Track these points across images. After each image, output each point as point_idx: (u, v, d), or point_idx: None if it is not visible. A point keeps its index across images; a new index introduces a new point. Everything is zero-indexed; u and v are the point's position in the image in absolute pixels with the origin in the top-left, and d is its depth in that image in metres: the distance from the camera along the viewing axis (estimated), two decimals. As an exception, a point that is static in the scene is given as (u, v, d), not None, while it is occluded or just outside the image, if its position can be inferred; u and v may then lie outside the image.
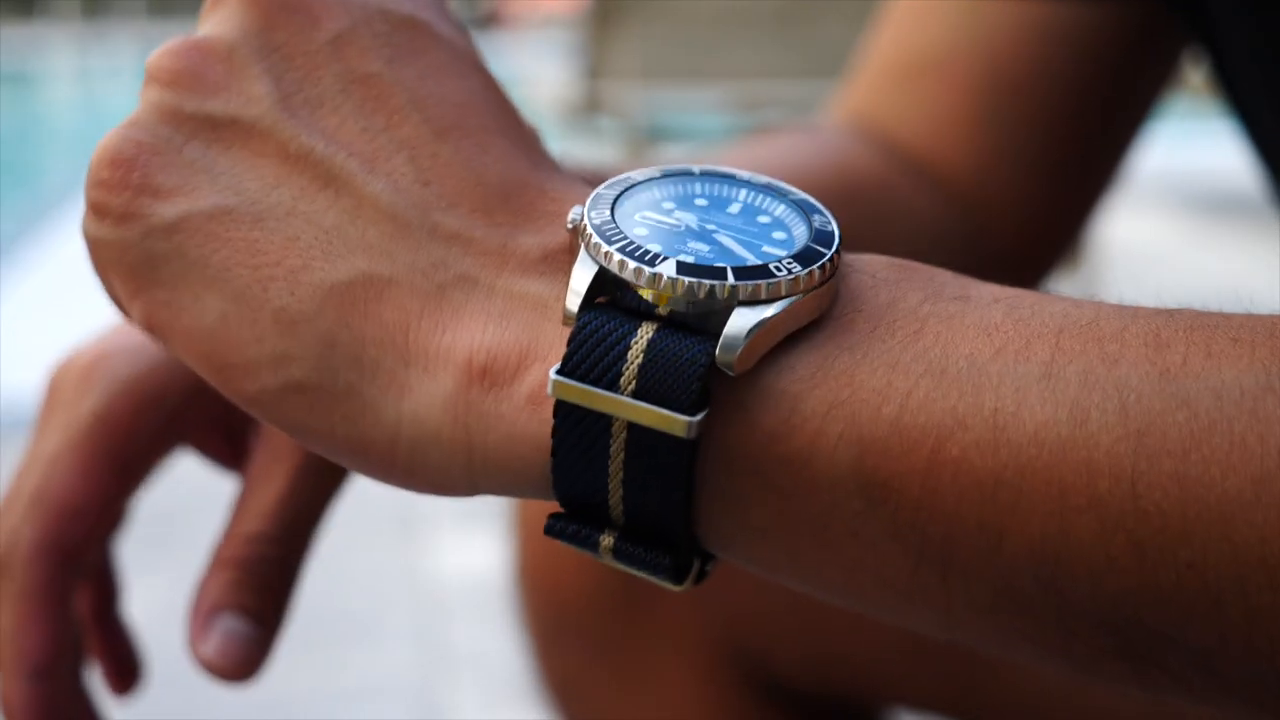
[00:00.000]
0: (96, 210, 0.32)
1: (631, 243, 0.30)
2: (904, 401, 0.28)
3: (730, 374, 0.29)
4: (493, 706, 1.43)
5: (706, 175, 0.33)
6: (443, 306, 0.31)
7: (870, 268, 0.31)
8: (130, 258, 0.32)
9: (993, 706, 0.59)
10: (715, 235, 0.31)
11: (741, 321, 0.28)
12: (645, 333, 0.29)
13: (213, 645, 0.40)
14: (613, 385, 0.29)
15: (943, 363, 0.28)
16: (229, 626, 0.40)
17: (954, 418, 0.28)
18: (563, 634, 0.64)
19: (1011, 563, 0.27)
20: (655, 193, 0.32)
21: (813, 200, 0.32)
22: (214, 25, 0.33)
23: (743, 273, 0.29)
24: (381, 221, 0.31)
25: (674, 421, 0.28)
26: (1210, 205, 4.31)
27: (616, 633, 0.62)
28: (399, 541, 1.84)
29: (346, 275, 0.31)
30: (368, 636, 1.58)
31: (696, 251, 0.30)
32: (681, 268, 0.29)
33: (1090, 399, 0.27)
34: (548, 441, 0.30)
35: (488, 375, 0.30)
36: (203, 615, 0.41)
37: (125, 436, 0.42)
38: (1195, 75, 0.64)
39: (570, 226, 0.31)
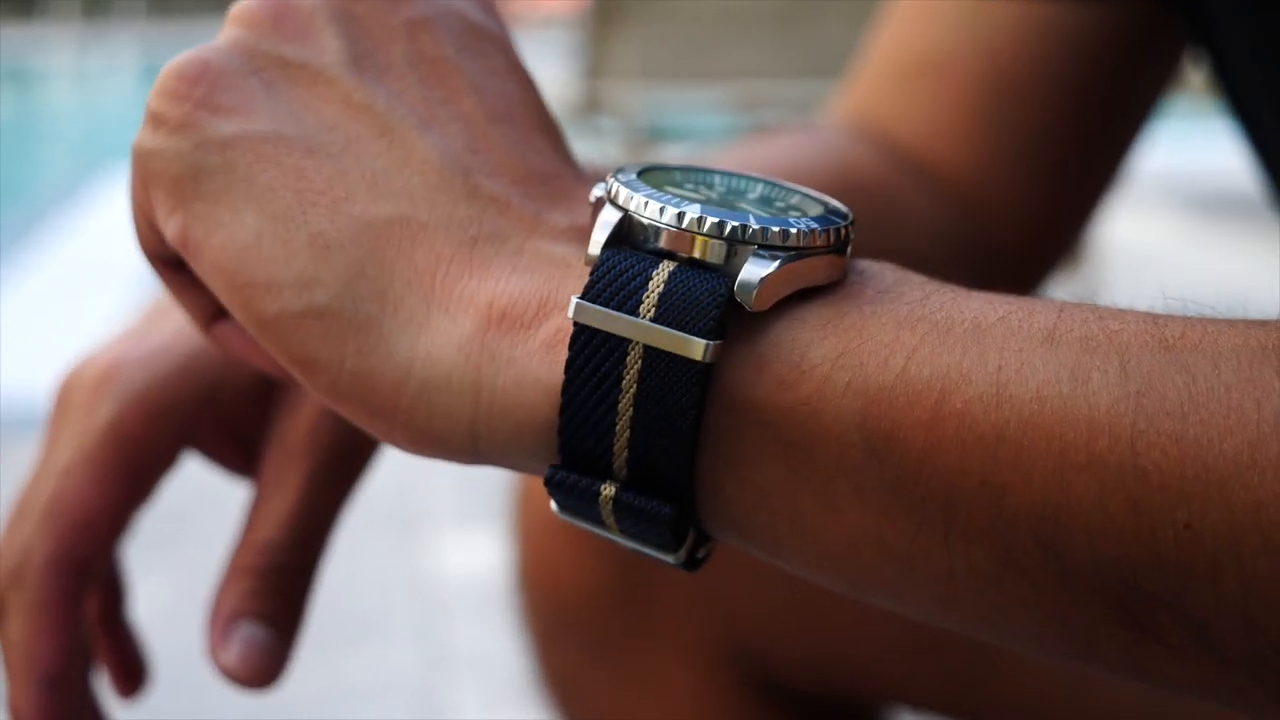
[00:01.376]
0: (154, 119, 0.34)
1: (654, 194, 0.31)
2: (910, 355, 0.29)
3: (748, 309, 0.30)
4: (493, 706, 1.43)
5: (721, 172, 0.35)
6: (472, 257, 0.32)
7: (875, 265, 0.33)
8: (177, 167, 0.33)
9: (993, 707, 0.59)
10: (737, 205, 0.33)
11: (760, 262, 0.30)
12: (667, 267, 0.30)
13: (234, 653, 0.41)
14: (633, 311, 0.30)
15: (948, 323, 0.29)
16: (249, 634, 0.41)
17: (958, 372, 0.28)
18: (563, 634, 0.64)
19: (1012, 522, 0.28)
20: (675, 175, 0.34)
21: (825, 196, 0.34)
22: None
23: (763, 221, 0.31)
24: (428, 173, 0.33)
25: (691, 344, 0.29)
26: (1210, 206, 4.31)
27: (616, 633, 0.62)
28: (399, 541, 1.84)
29: (387, 213, 0.32)
30: (368, 637, 1.58)
31: (719, 211, 0.31)
32: (705, 210, 0.31)
33: (1092, 361, 0.28)
34: (558, 387, 0.30)
35: (506, 319, 0.31)
36: (222, 623, 0.41)
37: (138, 447, 0.42)
38: (1196, 76, 0.64)
39: (594, 200, 0.32)
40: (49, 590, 0.41)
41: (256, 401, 0.44)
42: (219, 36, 0.35)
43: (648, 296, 0.30)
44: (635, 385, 0.30)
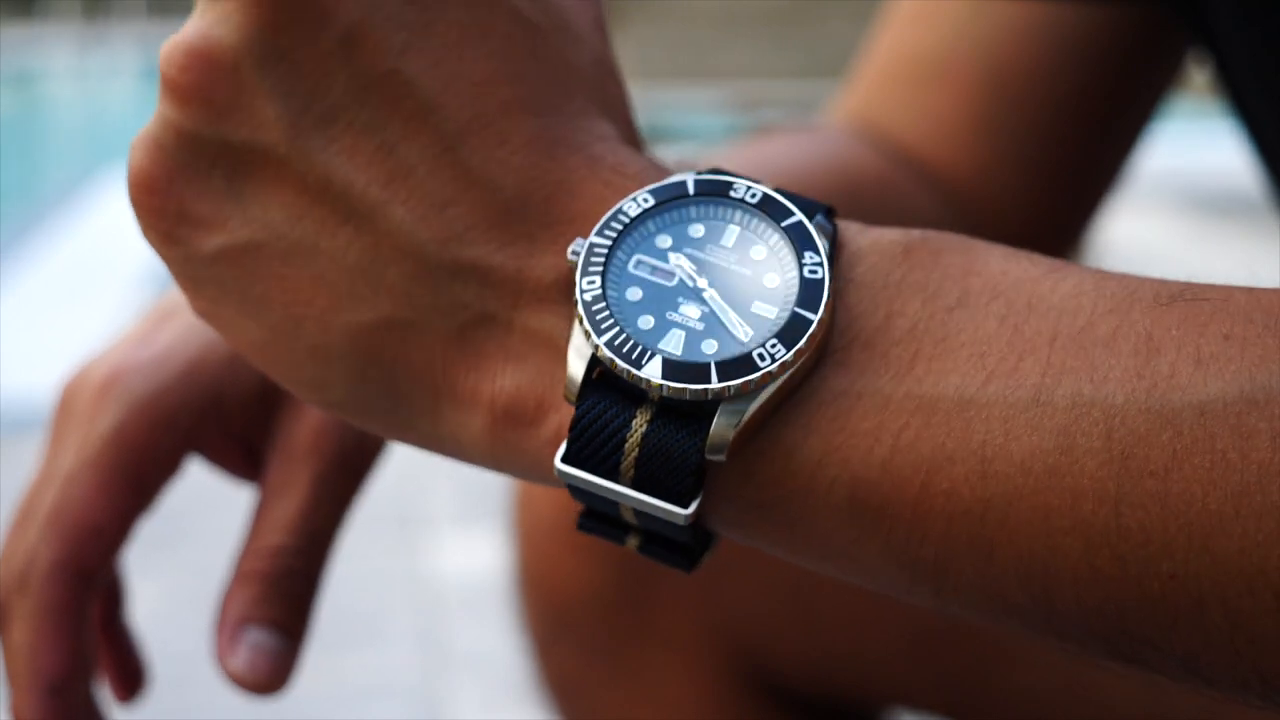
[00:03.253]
0: (143, 225, 0.33)
1: (620, 334, 0.30)
2: (895, 442, 0.29)
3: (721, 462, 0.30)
4: (493, 706, 1.43)
5: (703, 189, 0.32)
6: (465, 348, 0.32)
7: (872, 258, 0.31)
8: (178, 270, 0.33)
9: (992, 708, 0.59)
10: (705, 295, 0.31)
11: (726, 421, 0.30)
12: (640, 424, 0.30)
13: (242, 659, 0.41)
14: (613, 473, 0.30)
15: (933, 396, 0.29)
16: (256, 640, 0.41)
17: (943, 454, 0.29)
18: (562, 634, 0.64)
19: (1001, 575, 0.29)
20: (650, 225, 0.32)
21: (805, 223, 0.32)
22: (218, 23, 0.32)
23: (727, 369, 0.30)
24: (401, 260, 0.32)
25: (672, 513, 0.30)
26: (1212, 206, 4.31)
27: (616, 633, 0.62)
28: (399, 541, 1.84)
29: (371, 319, 0.32)
30: (368, 637, 1.58)
31: (686, 323, 0.31)
32: (667, 369, 0.30)
33: (1077, 426, 0.28)
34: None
35: (510, 416, 0.32)
36: (229, 629, 0.41)
37: (142, 455, 0.42)
38: (1198, 75, 0.64)
39: (571, 259, 0.31)
40: (53, 597, 0.41)
41: (260, 406, 0.43)
42: (158, 112, 0.33)
43: (625, 459, 0.30)
44: (633, 516, 0.31)
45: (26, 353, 2.60)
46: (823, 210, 0.32)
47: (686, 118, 3.55)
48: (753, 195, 0.32)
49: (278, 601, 0.41)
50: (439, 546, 1.84)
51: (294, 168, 0.32)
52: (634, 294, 0.31)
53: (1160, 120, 0.64)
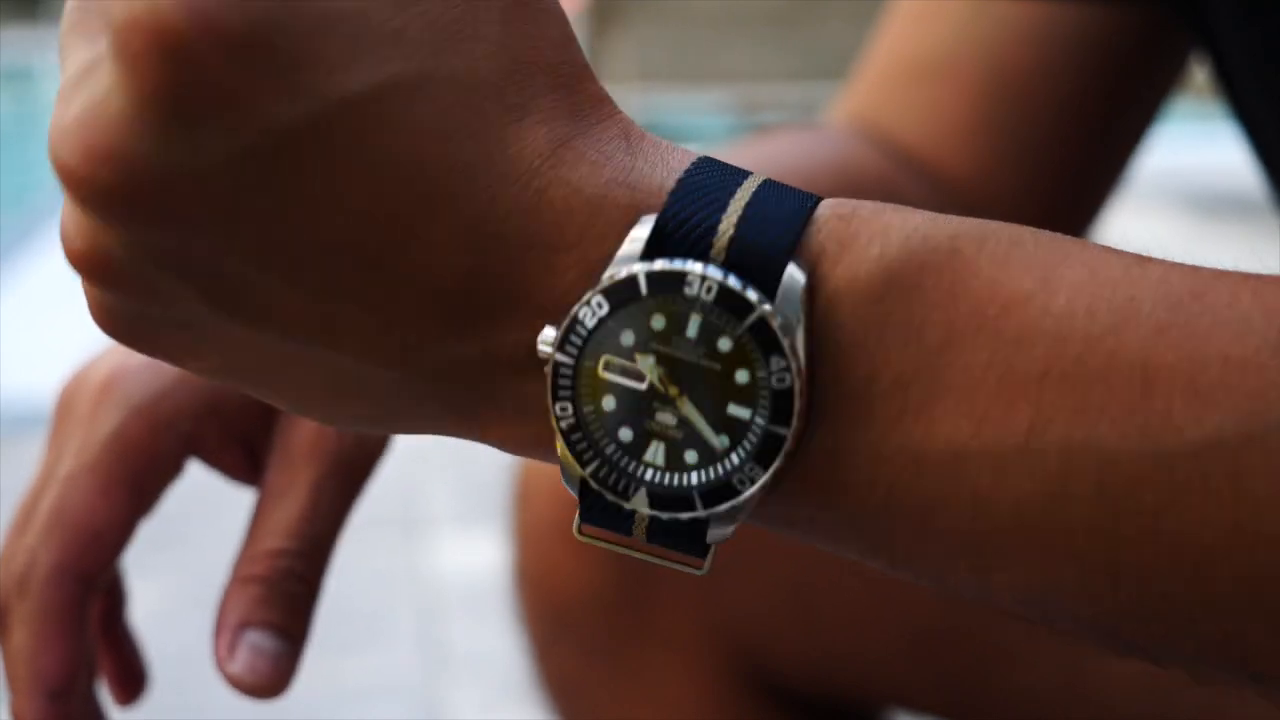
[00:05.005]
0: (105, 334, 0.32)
1: (602, 465, 0.30)
2: (888, 491, 0.29)
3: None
4: (493, 706, 1.43)
5: (654, 287, 0.29)
6: (463, 421, 0.32)
7: (849, 303, 0.29)
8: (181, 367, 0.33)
9: (991, 708, 0.59)
10: (678, 404, 0.30)
11: (719, 530, 0.30)
12: (640, 531, 0.31)
13: (241, 662, 0.41)
14: (627, 534, 0.31)
15: (924, 449, 0.29)
16: (256, 643, 0.41)
17: (937, 499, 0.29)
18: (562, 634, 0.64)
19: (998, 592, 0.30)
20: (611, 324, 0.30)
21: (768, 322, 0.29)
22: (88, 233, 0.29)
23: (710, 496, 0.30)
24: (372, 379, 0.31)
25: (688, 562, 0.31)
26: (1213, 206, 4.31)
27: (615, 633, 0.62)
28: (399, 541, 1.84)
29: (369, 411, 0.32)
30: (368, 637, 1.58)
31: (665, 432, 0.30)
32: (654, 499, 0.30)
33: (1069, 472, 0.28)
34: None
35: (529, 448, 0.32)
36: (229, 633, 0.41)
37: (142, 457, 0.42)
38: (1199, 75, 0.64)
39: (541, 352, 0.30)
40: (54, 601, 0.41)
41: (260, 409, 0.43)
42: (85, 291, 0.31)
43: (636, 527, 0.31)
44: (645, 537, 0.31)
45: (26, 353, 2.60)
46: (788, 248, 0.29)
47: (686, 119, 3.55)
48: (709, 290, 0.29)
49: (277, 605, 0.41)
50: (439, 546, 1.84)
51: (226, 331, 0.30)
52: (609, 403, 0.30)
53: (1160, 120, 0.64)
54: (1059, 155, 0.61)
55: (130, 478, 0.42)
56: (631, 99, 3.21)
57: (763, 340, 0.29)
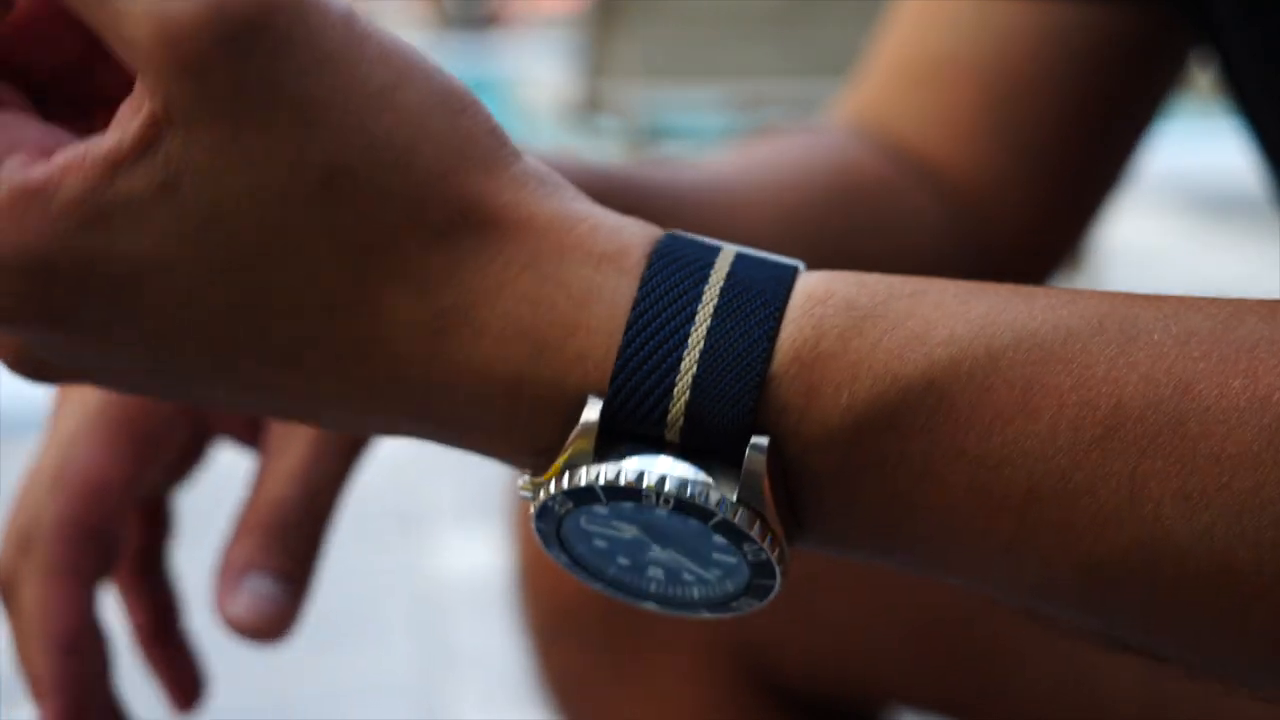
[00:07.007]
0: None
1: (608, 583, 0.32)
2: (894, 535, 0.30)
3: None
4: (493, 706, 1.43)
5: (613, 497, 0.29)
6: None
7: (819, 455, 0.28)
8: None
9: (992, 707, 0.59)
10: (663, 555, 0.31)
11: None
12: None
13: (241, 604, 0.41)
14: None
15: (904, 563, 0.31)
16: (256, 586, 0.41)
17: (920, 572, 0.31)
18: (563, 634, 0.64)
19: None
20: (581, 518, 0.30)
21: (730, 521, 0.29)
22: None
23: (715, 606, 0.32)
24: (343, 414, 0.32)
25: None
26: (1215, 205, 4.31)
27: (616, 633, 0.62)
28: (399, 541, 1.84)
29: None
30: (368, 636, 1.58)
31: (661, 561, 0.31)
32: (661, 603, 0.32)
33: (1051, 579, 0.28)
34: None
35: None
36: (230, 577, 0.41)
37: (142, 411, 0.42)
38: (1202, 76, 0.64)
39: (522, 496, 0.30)
40: (59, 555, 0.41)
41: None
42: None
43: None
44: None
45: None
46: (746, 425, 0.28)
47: (687, 117, 3.55)
48: (666, 502, 0.29)
49: (279, 550, 0.41)
50: (439, 546, 1.83)
51: (148, 348, 0.30)
52: (601, 543, 0.31)
53: (1163, 120, 0.64)
54: (1061, 154, 0.61)
55: (131, 431, 0.42)
56: (633, 96, 3.21)
57: (730, 533, 0.29)
